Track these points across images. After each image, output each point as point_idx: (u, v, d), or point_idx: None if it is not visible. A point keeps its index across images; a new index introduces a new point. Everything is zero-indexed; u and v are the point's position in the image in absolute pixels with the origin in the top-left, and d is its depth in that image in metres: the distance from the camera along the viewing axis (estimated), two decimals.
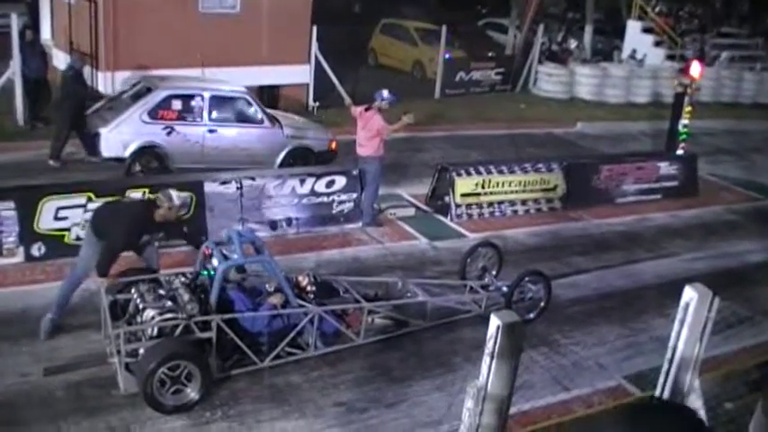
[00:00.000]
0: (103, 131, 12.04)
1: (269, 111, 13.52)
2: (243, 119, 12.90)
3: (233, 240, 7.67)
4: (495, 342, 4.36)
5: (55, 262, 9.31)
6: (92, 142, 12.32)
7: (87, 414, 6.73)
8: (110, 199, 9.16)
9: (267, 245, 8.31)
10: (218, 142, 12.57)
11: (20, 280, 9.01)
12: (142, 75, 13.91)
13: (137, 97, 12.83)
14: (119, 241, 7.55)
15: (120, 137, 12.03)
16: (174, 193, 7.73)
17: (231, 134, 12.73)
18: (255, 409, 7.02)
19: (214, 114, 12.61)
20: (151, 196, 7.70)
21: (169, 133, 12.23)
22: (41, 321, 7.75)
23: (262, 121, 12.96)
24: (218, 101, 12.73)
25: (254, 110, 12.96)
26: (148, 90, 12.74)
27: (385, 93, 11.37)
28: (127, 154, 12.01)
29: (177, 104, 12.40)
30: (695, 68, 15.64)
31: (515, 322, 4.41)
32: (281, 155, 13.01)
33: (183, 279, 7.59)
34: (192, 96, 12.56)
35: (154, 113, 12.23)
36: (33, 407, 6.79)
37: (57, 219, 9.43)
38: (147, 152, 12.16)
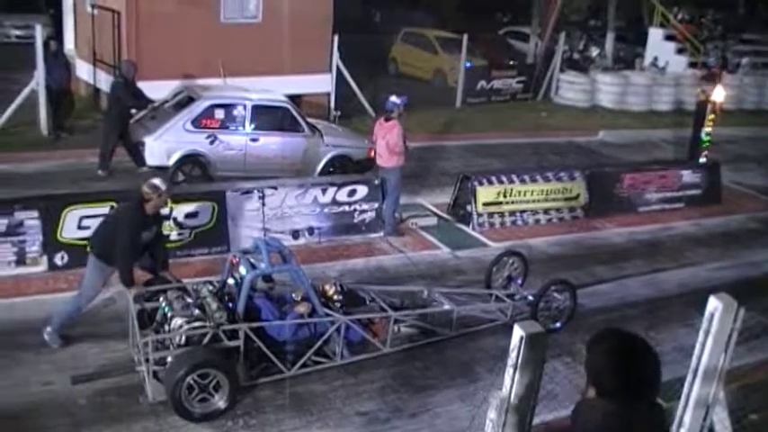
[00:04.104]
0: (148, 140, 12.20)
1: (309, 120, 13.58)
2: (284, 127, 12.99)
3: (260, 249, 7.68)
4: (519, 353, 4.35)
5: (78, 271, 9.22)
6: (137, 151, 12.47)
7: (110, 422, 6.75)
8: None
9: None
10: (259, 151, 12.70)
11: (43, 289, 9.07)
12: (184, 84, 14.06)
13: (179, 106, 12.98)
14: (126, 245, 7.52)
15: (164, 145, 12.18)
16: (156, 181, 7.78)
17: (273, 143, 12.84)
18: (278, 418, 7.02)
19: (256, 123, 12.72)
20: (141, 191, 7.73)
21: (212, 142, 12.36)
22: (46, 336, 7.75)
23: (302, 130, 13.05)
24: (261, 110, 12.84)
25: (295, 119, 13.05)
26: (191, 99, 12.86)
27: (394, 98, 11.34)
28: (171, 162, 12.15)
29: (220, 113, 12.56)
30: (718, 94, 15.73)
31: (538, 333, 4.40)
32: (322, 163, 13.14)
33: (210, 287, 7.64)
34: (234, 105, 12.71)
35: (197, 122, 12.39)
36: (56, 415, 6.82)
37: (80, 228, 9.47)
38: (191, 160, 12.30)
